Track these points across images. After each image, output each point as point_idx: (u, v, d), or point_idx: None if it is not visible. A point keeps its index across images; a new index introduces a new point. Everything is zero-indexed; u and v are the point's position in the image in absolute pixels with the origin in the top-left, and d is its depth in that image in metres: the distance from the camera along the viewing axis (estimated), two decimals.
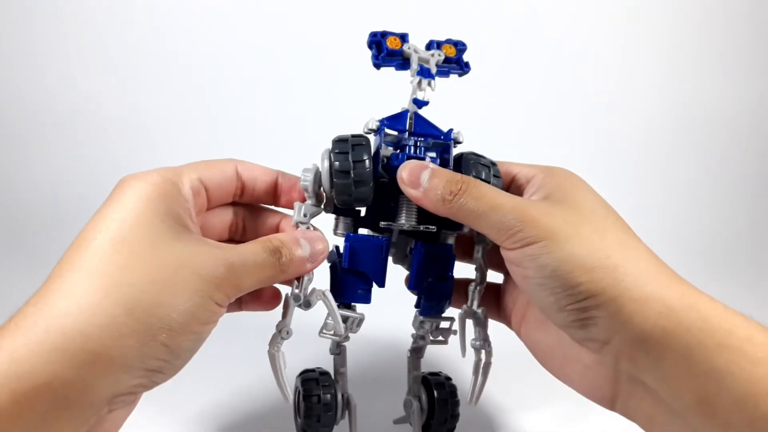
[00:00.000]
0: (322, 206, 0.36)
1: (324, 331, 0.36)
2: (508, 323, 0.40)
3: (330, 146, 0.34)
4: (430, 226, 0.35)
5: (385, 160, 0.35)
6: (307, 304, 0.34)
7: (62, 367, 0.25)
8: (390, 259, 0.38)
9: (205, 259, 0.29)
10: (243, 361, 0.52)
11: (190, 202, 0.33)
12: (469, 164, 0.35)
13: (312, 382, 0.39)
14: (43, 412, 0.25)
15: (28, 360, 0.25)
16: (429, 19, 0.85)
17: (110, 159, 0.83)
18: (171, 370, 0.29)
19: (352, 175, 0.33)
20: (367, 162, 0.33)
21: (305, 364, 0.41)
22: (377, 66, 0.36)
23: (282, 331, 0.35)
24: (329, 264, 0.37)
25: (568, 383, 0.34)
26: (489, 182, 0.34)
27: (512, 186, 0.37)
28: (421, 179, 0.32)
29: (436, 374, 0.43)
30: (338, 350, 0.41)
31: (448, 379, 0.42)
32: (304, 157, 0.38)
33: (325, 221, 0.37)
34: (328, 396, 0.39)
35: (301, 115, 0.85)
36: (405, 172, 0.32)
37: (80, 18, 0.83)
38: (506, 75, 0.92)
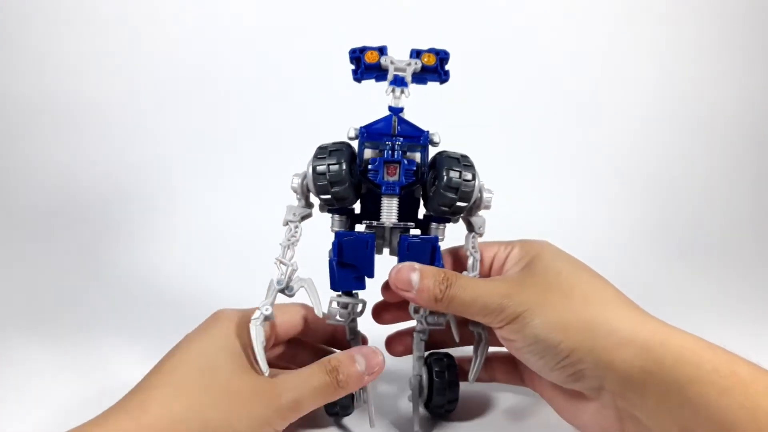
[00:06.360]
0: (312, 209, 0.40)
1: (329, 317, 0.41)
2: (531, 387, 0.44)
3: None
4: (409, 223, 0.39)
5: (366, 164, 0.38)
6: (289, 290, 0.39)
7: None
8: (387, 251, 0.42)
9: (272, 390, 0.35)
10: None
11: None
12: (441, 173, 0.37)
13: None
14: None
15: None
16: (429, 29, 0.88)
17: (112, 157, 0.89)
18: None
19: (327, 177, 0.37)
20: (342, 165, 0.37)
21: None
22: (357, 80, 0.39)
23: (263, 308, 0.38)
24: (329, 259, 0.42)
25: (584, 429, 0.39)
26: (457, 190, 0.37)
27: (494, 264, 0.42)
28: (412, 283, 0.36)
29: (438, 355, 0.44)
30: (353, 335, 0.43)
31: (450, 359, 0.43)
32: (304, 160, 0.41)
33: (323, 219, 0.41)
34: None
35: (304, 119, 0.90)
36: (395, 280, 0.37)
37: (82, 19, 0.89)
38: (501, 74, 0.95)
